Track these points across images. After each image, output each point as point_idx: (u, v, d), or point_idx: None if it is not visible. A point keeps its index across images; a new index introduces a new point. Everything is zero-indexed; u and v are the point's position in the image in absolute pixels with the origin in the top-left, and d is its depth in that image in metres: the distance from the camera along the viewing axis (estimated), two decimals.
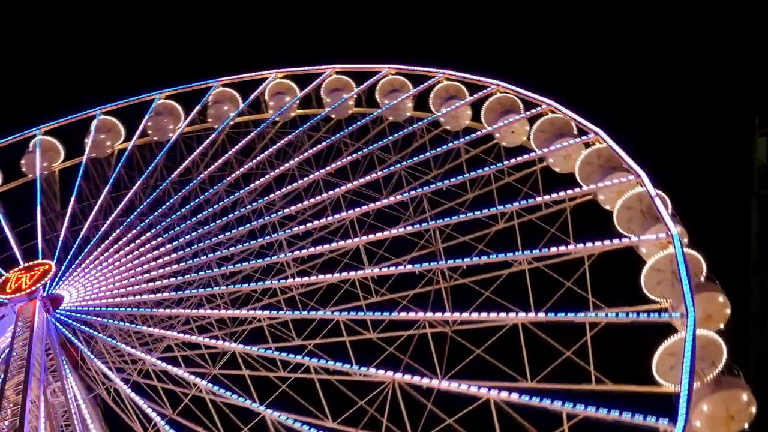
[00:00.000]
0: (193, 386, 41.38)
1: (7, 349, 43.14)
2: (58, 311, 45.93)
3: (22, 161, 61.04)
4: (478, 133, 51.84)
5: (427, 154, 51.01)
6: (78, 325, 45.16)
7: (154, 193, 53.44)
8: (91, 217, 52.87)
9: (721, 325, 39.19)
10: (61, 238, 51.51)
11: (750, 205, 66.70)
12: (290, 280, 46.13)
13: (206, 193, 52.84)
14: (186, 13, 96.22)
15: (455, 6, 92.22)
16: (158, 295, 46.72)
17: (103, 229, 51.49)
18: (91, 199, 55.90)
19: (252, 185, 52.58)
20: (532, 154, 48.77)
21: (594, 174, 46.67)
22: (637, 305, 41.48)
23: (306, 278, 46.00)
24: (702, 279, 40.40)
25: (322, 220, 48.32)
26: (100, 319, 45.57)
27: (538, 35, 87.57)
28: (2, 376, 40.79)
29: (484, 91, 53.41)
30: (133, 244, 49.94)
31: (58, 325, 45.11)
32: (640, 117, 79.08)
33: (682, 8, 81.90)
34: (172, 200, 52.75)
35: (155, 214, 51.82)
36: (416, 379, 37.52)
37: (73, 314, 45.81)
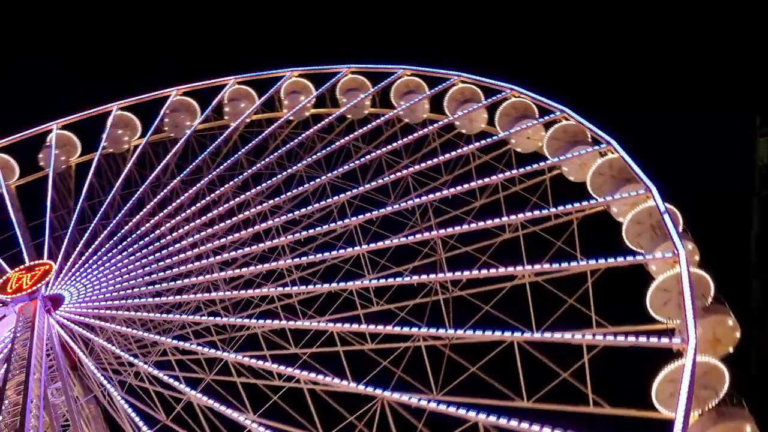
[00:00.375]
0: (183, 393, 41.00)
1: (7, 349, 43.23)
2: (57, 312, 45.87)
3: (40, 155, 61.14)
4: (489, 139, 50.51)
5: (436, 159, 49.84)
6: (76, 327, 45.03)
7: (162, 193, 53.05)
8: (98, 215, 52.74)
9: (730, 349, 37.76)
10: (67, 236, 51.38)
11: (751, 205, 65.58)
12: (288, 288, 45.54)
13: (213, 194, 52.34)
14: (203, 11, 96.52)
15: (471, 8, 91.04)
16: (158, 298, 46.43)
17: (108, 228, 51.33)
18: (102, 196, 55.83)
19: (260, 187, 51.96)
20: (544, 163, 47.36)
21: (606, 185, 45.31)
22: (645, 323, 40.07)
23: (304, 287, 45.39)
24: (710, 300, 38.85)
25: (326, 227, 47.56)
26: (98, 321, 45.43)
27: (540, 35, 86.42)
28: (3, 376, 40.84)
29: (499, 95, 52.25)
30: (136, 245, 49.71)
31: (57, 326, 45.03)
32: (640, 117, 77.72)
33: (682, 8, 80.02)
34: (179, 200, 52.40)
35: (161, 213, 51.51)
36: (405, 398, 36.62)
37: (73, 315, 45.69)
